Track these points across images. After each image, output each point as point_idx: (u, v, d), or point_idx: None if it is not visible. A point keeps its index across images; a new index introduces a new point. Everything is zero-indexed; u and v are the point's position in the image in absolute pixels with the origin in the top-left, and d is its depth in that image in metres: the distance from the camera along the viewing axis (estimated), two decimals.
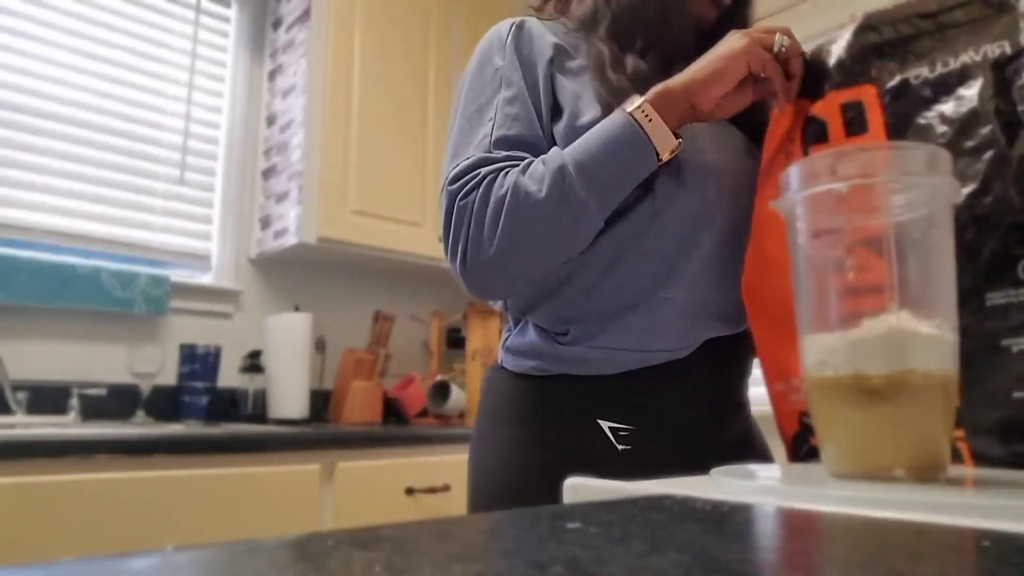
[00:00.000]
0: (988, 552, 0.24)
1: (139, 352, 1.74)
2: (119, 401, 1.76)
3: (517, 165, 0.69)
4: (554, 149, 0.69)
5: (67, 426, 1.57)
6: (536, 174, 0.67)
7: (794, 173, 0.43)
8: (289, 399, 1.87)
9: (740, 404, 0.79)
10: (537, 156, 0.71)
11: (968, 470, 0.49)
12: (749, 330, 0.77)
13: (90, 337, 1.79)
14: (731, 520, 0.30)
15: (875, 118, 0.58)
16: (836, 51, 0.63)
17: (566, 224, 0.67)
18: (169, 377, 1.84)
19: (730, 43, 0.67)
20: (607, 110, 0.71)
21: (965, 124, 0.53)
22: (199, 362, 1.82)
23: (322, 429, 1.69)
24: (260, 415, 1.91)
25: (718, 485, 0.42)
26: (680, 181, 0.71)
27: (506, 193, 0.67)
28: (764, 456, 0.81)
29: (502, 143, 0.72)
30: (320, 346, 2.16)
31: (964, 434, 0.49)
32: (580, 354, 0.73)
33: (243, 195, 2.13)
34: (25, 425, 1.51)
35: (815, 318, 0.43)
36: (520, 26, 0.78)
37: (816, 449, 0.59)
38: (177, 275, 1.95)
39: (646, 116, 0.65)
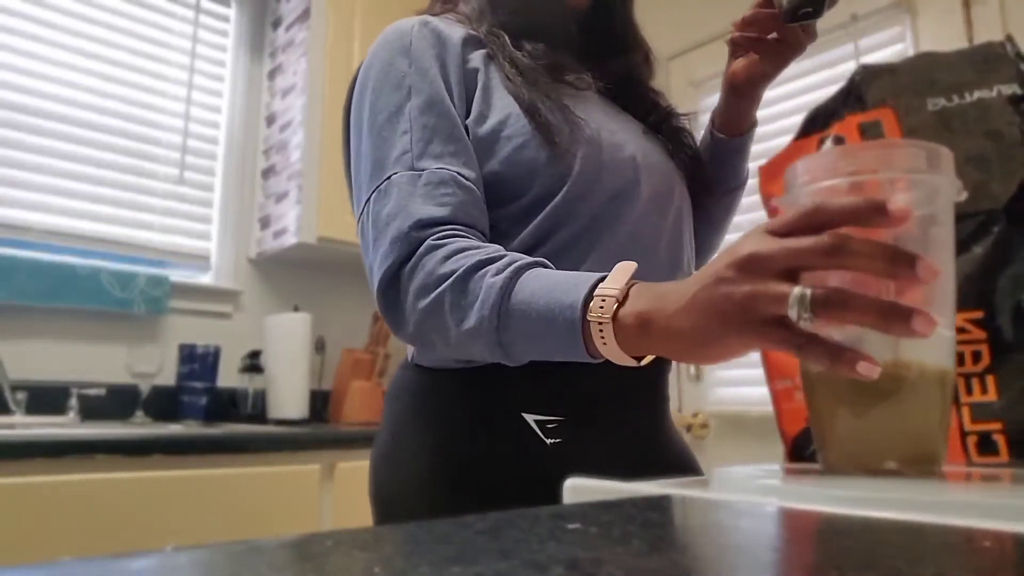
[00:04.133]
0: (988, 552, 0.24)
1: (138, 352, 1.74)
2: (118, 401, 1.76)
3: (450, 206, 0.63)
4: (507, 272, 0.57)
5: (66, 426, 1.56)
6: (471, 295, 0.58)
7: (799, 169, 0.43)
8: (289, 399, 1.87)
9: (668, 397, 0.77)
10: (461, 161, 0.67)
11: (968, 468, 0.49)
12: None
13: (89, 337, 1.79)
14: (731, 520, 0.30)
15: (892, 131, 0.59)
16: (851, 90, 0.64)
17: (471, 355, 0.62)
18: (168, 377, 1.83)
19: (716, 299, 0.45)
20: (518, 99, 0.70)
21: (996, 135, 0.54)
22: (198, 362, 1.81)
23: (322, 429, 1.69)
24: (259, 415, 1.91)
25: (718, 485, 0.42)
26: (601, 162, 0.70)
27: (435, 291, 0.60)
28: (691, 460, 0.78)
29: (425, 157, 0.66)
30: (320, 346, 2.16)
31: (1003, 426, 0.49)
32: None
33: (243, 195, 2.13)
34: (24, 425, 1.51)
35: None
36: (425, 24, 0.74)
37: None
38: (176, 275, 1.95)
39: (602, 339, 0.52)
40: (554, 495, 0.62)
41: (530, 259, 0.60)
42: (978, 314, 0.52)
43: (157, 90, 2.00)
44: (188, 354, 1.82)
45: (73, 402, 1.67)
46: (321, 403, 2.11)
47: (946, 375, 0.40)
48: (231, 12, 2.18)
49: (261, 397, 1.93)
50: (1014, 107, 0.54)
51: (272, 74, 2.17)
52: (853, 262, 0.38)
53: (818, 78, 1.84)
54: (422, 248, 0.62)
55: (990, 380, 0.50)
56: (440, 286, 0.60)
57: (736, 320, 0.43)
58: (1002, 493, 0.36)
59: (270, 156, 2.12)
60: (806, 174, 0.43)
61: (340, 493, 1.52)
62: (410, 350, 0.76)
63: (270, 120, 2.15)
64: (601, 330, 0.51)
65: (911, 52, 1.72)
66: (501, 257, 0.60)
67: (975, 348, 0.51)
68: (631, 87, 0.84)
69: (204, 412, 1.80)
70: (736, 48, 0.80)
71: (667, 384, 0.77)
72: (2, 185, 1.73)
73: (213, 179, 2.10)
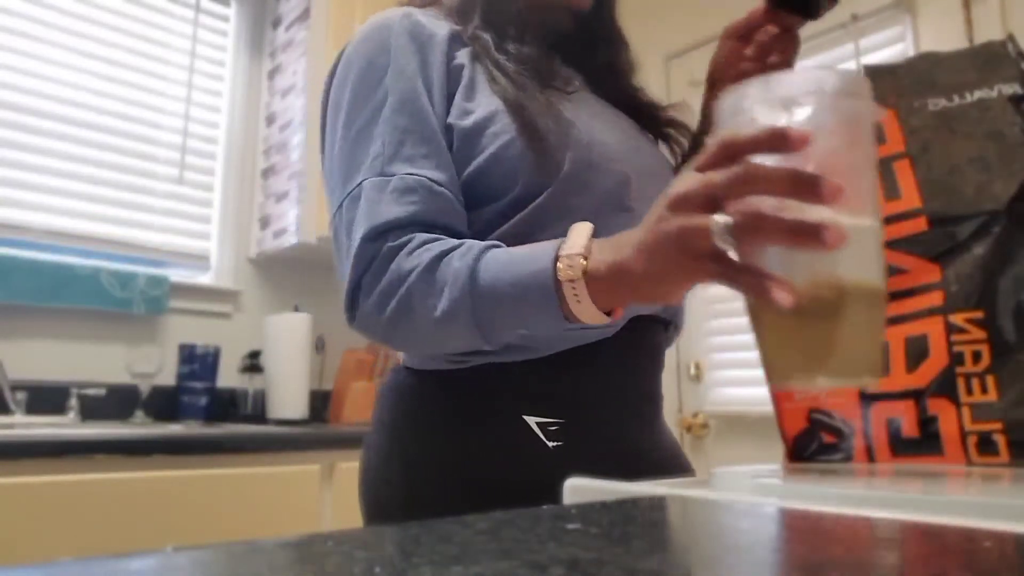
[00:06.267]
0: (988, 552, 0.24)
1: (138, 352, 1.74)
2: (118, 401, 1.76)
3: (417, 212, 0.63)
4: (471, 255, 0.59)
5: (66, 426, 1.56)
6: (439, 283, 0.59)
7: (724, 104, 0.44)
8: (289, 399, 1.87)
9: (660, 397, 0.76)
10: (434, 164, 0.65)
11: (968, 469, 0.49)
12: (664, 318, 0.75)
13: (89, 337, 1.79)
14: (731, 520, 0.30)
15: (893, 131, 0.59)
16: None
17: (451, 345, 0.63)
18: (168, 377, 1.83)
19: (659, 239, 0.47)
20: (504, 99, 0.68)
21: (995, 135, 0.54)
22: (198, 362, 1.81)
23: (322, 429, 1.69)
24: (259, 415, 1.91)
25: (718, 485, 0.42)
26: (591, 163, 0.68)
27: (401, 287, 0.61)
28: (683, 460, 0.77)
29: (396, 160, 0.65)
30: (320, 346, 2.15)
31: (1003, 427, 0.49)
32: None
33: (242, 195, 2.13)
34: (24, 425, 1.51)
35: None
36: (407, 16, 0.70)
37: (821, 449, 0.59)
38: (176, 275, 1.95)
39: (576, 296, 0.53)
40: (556, 498, 0.62)
41: (488, 243, 0.61)
42: (979, 314, 0.52)
43: (157, 90, 2.00)
44: (188, 354, 1.82)
45: (73, 402, 1.67)
46: (321, 403, 2.11)
47: (863, 288, 0.41)
48: (231, 12, 2.18)
49: (261, 397, 1.93)
50: (1015, 107, 0.54)
51: (272, 74, 2.17)
52: (761, 188, 0.40)
53: None
54: (381, 254, 0.62)
55: (990, 380, 0.50)
56: (405, 282, 0.60)
57: (676, 257, 0.46)
58: (1002, 493, 0.36)
59: (270, 156, 2.12)
60: (730, 109, 0.43)
61: (340, 493, 1.52)
62: (404, 355, 0.74)
63: (270, 120, 2.15)
64: (574, 288, 0.53)
65: (911, 52, 1.72)
66: (461, 244, 0.61)
67: (975, 348, 0.51)
68: (618, 82, 0.83)
69: (204, 412, 1.80)
70: (726, 41, 0.76)
71: (659, 385, 0.76)
72: (2, 185, 1.73)
73: (213, 179, 2.10)
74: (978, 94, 0.56)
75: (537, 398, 0.66)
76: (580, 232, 0.55)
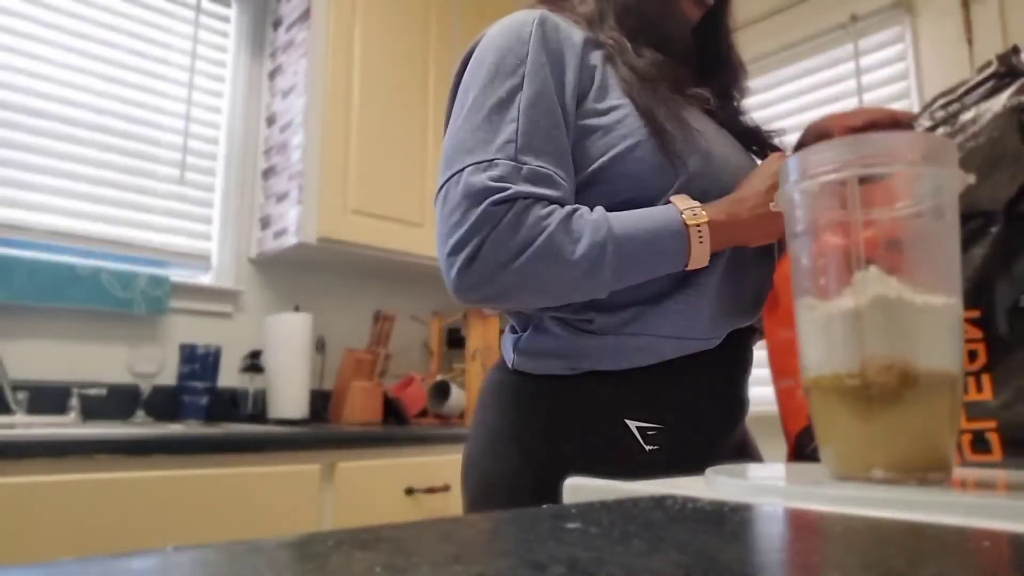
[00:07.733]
0: (988, 552, 0.24)
1: (139, 352, 1.74)
2: (119, 401, 1.76)
3: (549, 194, 0.67)
4: (601, 212, 0.67)
5: (67, 426, 1.56)
6: (575, 231, 0.65)
7: (791, 165, 0.43)
8: (289, 399, 1.87)
9: (748, 402, 0.79)
10: (558, 162, 0.69)
11: (968, 471, 0.49)
12: (754, 325, 0.78)
13: (90, 337, 1.79)
14: (731, 520, 0.30)
15: None
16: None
17: (581, 289, 0.67)
18: (169, 377, 1.84)
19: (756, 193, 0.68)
20: (634, 100, 0.71)
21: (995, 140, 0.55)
22: (199, 362, 1.81)
23: (322, 429, 1.69)
24: (260, 415, 1.91)
25: (717, 485, 0.42)
26: (710, 174, 0.71)
27: (540, 235, 0.65)
28: (758, 454, 0.83)
29: (528, 152, 0.68)
30: (320, 346, 2.16)
31: (996, 425, 0.49)
32: (613, 344, 0.70)
33: (243, 195, 2.13)
34: (25, 425, 1.51)
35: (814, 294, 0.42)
36: (545, 19, 0.74)
37: None
38: (177, 275, 1.95)
39: (700, 239, 0.67)
40: None
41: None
42: (975, 313, 0.52)
43: (157, 90, 2.00)
44: (189, 354, 1.82)
45: (74, 402, 1.67)
46: (321, 403, 2.11)
47: (945, 377, 0.38)
48: (231, 12, 2.18)
49: (261, 397, 1.93)
50: (1016, 113, 0.55)
51: (272, 74, 2.17)
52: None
53: (818, 78, 1.84)
54: (513, 211, 0.65)
55: (986, 379, 0.50)
56: (544, 232, 0.65)
57: (763, 197, 0.67)
58: (1001, 493, 0.36)
59: (270, 156, 2.12)
60: (800, 170, 0.42)
61: (340, 493, 1.52)
62: (509, 356, 0.77)
63: (270, 120, 2.15)
64: (699, 231, 0.66)
65: (911, 52, 1.72)
66: (582, 207, 0.68)
67: (972, 347, 0.51)
68: (728, 104, 0.85)
69: (205, 412, 1.80)
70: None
71: (747, 390, 0.79)
72: (2, 185, 1.73)
73: (214, 179, 2.10)
74: (982, 103, 0.57)
75: (640, 404, 0.69)
76: (685, 198, 0.68)
